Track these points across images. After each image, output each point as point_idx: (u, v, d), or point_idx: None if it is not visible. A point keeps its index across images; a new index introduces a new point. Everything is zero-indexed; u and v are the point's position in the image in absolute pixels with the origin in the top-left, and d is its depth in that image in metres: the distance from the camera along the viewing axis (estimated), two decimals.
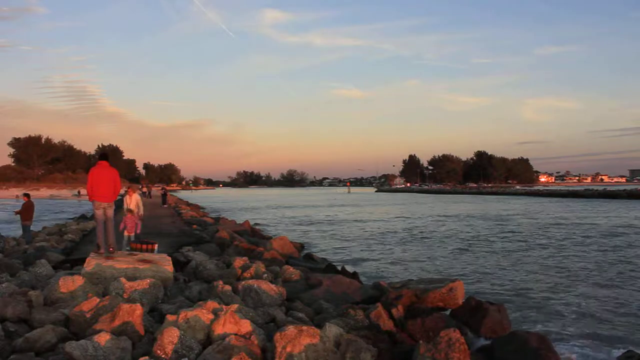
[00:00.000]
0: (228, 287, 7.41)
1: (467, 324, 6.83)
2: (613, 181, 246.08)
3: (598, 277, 13.65)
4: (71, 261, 10.36)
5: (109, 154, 9.86)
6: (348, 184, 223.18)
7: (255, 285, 7.45)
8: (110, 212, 8.80)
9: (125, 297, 6.54)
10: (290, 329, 5.05)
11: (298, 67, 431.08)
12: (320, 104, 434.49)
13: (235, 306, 5.85)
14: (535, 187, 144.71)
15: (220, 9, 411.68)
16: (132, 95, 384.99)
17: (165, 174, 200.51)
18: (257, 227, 27.56)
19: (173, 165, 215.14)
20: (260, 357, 5.02)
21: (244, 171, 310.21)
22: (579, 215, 37.81)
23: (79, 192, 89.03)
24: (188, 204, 48.46)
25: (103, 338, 4.85)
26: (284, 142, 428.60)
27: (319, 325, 5.67)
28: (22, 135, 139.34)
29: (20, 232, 16.69)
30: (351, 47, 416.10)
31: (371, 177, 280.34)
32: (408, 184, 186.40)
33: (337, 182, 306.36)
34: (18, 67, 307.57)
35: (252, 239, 18.63)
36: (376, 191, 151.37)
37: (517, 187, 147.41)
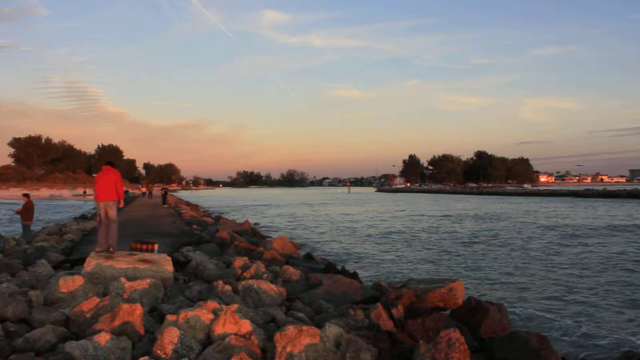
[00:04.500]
0: (228, 287, 7.41)
1: (467, 324, 6.82)
2: (613, 181, 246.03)
3: (599, 277, 13.64)
4: (71, 261, 10.35)
5: (113, 161, 9.92)
6: (348, 184, 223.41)
7: (255, 285, 7.45)
8: (112, 212, 8.83)
9: (125, 297, 6.54)
10: (290, 329, 5.05)
11: (298, 67, 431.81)
12: (320, 104, 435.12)
13: (235, 306, 5.85)
14: (535, 187, 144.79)
15: (220, 10, 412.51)
16: (132, 95, 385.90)
17: (165, 174, 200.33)
18: (257, 227, 27.56)
19: (173, 165, 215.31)
20: (260, 357, 5.02)
21: (244, 171, 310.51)
22: (579, 215, 37.80)
23: (84, 192, 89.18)
24: (188, 204, 48.45)
25: (103, 338, 4.85)
26: (284, 142, 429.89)
27: (319, 325, 5.67)
28: (22, 135, 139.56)
29: (20, 232, 16.69)
30: (351, 48, 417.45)
31: (371, 177, 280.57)
32: (408, 184, 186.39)
33: (337, 182, 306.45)
34: (18, 67, 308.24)
35: (252, 239, 18.62)
36: (376, 191, 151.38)
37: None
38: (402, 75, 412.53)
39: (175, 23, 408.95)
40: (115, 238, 8.85)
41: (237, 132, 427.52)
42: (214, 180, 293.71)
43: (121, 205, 9.20)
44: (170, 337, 4.88)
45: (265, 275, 9.07)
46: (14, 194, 70.67)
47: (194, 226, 21.19)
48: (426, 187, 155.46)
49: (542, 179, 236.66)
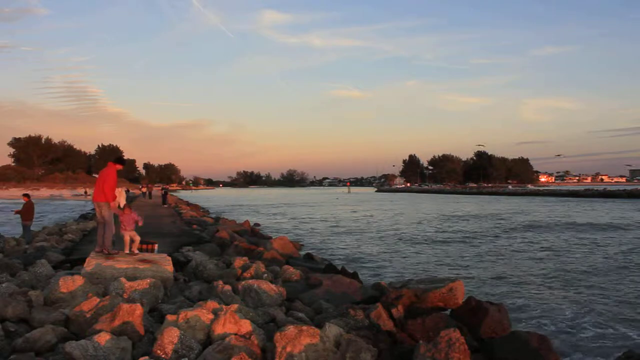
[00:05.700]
0: (228, 287, 7.41)
1: (467, 324, 6.82)
2: (613, 181, 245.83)
3: (598, 277, 13.64)
4: (71, 261, 10.35)
5: (119, 156, 9.50)
6: (348, 184, 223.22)
7: (255, 285, 7.45)
8: (105, 212, 8.49)
9: (125, 297, 6.54)
10: (290, 329, 5.05)
11: (298, 67, 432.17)
12: (320, 104, 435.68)
13: (235, 306, 5.85)
14: (536, 187, 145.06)
15: (220, 10, 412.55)
16: (132, 96, 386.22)
17: (165, 174, 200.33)
18: (257, 227, 27.56)
19: (173, 165, 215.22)
20: (260, 357, 5.02)
21: (244, 171, 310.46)
22: (579, 215, 37.80)
23: (85, 192, 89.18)
24: (188, 204, 48.45)
25: (103, 338, 4.85)
26: (284, 142, 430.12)
27: (319, 325, 5.67)
28: (22, 135, 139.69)
29: (20, 232, 16.68)
30: (350, 48, 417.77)
31: (371, 177, 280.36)
32: (408, 184, 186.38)
33: (337, 182, 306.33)
34: (19, 67, 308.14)
35: (252, 239, 18.63)
36: (376, 191, 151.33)
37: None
38: (402, 75, 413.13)
39: (175, 23, 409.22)
40: (109, 240, 8.59)
41: (237, 132, 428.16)
42: (214, 180, 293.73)
43: (111, 207, 8.46)
44: (170, 337, 4.88)
45: (265, 275, 9.08)
46: (14, 194, 70.71)
47: (194, 226, 21.19)
48: (426, 187, 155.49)
49: (542, 179, 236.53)
